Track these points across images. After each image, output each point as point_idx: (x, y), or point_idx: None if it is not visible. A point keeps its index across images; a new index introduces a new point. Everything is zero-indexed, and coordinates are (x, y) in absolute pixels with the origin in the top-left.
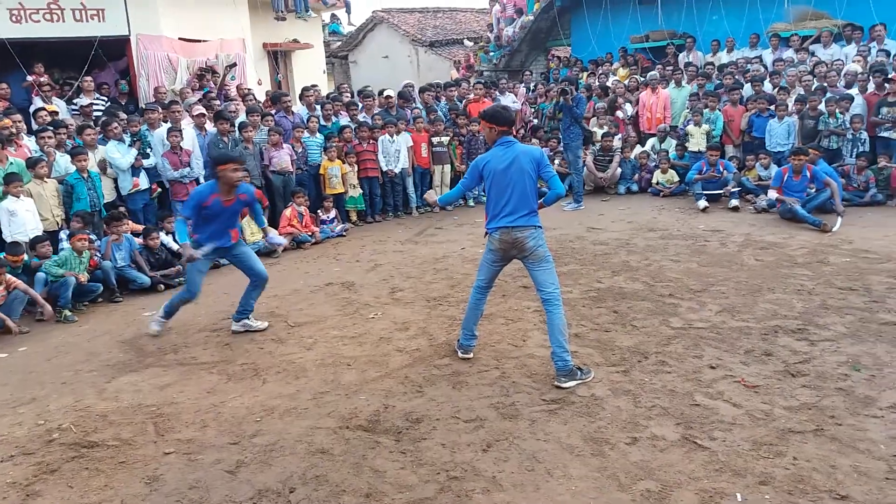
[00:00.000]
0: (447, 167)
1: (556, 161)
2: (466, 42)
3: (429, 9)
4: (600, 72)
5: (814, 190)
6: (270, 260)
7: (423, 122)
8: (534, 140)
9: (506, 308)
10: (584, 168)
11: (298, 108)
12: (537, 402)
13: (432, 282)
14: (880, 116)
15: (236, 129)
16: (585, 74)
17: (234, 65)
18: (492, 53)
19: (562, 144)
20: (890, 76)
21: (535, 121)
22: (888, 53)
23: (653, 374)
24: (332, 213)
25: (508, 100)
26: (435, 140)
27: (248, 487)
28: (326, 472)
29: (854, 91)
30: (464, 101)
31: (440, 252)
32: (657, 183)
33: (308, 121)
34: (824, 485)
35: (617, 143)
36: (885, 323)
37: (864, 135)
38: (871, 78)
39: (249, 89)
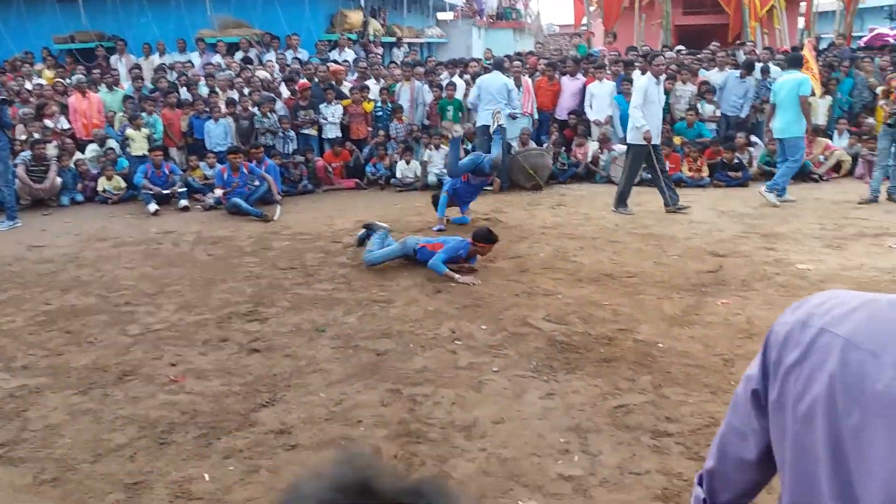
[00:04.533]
0: None
1: None
2: None
3: None
4: (23, 71)
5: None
6: None
7: None
8: None
9: None
10: (16, 180)
11: None
12: None
13: None
14: (299, 119)
15: None
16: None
17: None
18: None
19: None
20: (297, 84)
21: None
22: (301, 61)
23: (114, 386)
24: None
25: None
26: None
27: None
28: None
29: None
30: None
31: None
32: (104, 190)
33: None
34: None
35: (52, 150)
36: (319, 291)
37: (292, 133)
38: (284, 84)
39: None
